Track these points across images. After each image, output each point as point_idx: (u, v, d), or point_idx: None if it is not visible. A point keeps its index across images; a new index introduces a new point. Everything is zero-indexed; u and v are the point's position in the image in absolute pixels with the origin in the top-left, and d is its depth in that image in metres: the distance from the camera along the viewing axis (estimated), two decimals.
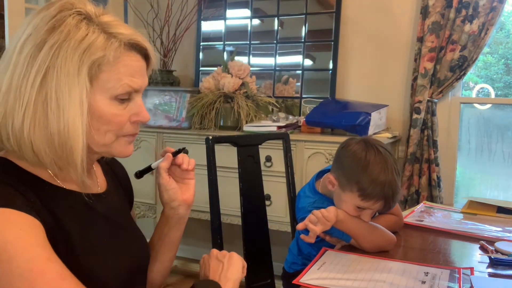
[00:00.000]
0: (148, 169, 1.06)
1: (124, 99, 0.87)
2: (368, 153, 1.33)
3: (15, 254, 0.73)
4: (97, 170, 1.02)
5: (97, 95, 0.84)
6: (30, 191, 0.81)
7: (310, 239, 1.29)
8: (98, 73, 0.83)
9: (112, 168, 1.08)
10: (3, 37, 2.78)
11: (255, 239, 1.67)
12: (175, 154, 1.04)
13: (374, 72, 2.84)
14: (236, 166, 1.67)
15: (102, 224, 0.93)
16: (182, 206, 1.06)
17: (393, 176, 1.31)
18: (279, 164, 2.46)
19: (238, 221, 2.51)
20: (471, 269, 1.18)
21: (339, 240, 1.38)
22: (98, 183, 0.99)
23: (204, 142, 1.60)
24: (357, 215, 1.35)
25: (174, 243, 1.11)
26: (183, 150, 1.05)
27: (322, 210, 1.29)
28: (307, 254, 1.56)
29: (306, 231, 1.31)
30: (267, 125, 2.59)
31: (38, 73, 0.80)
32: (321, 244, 1.43)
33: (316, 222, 1.28)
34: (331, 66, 2.88)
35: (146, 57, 0.90)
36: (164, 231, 1.10)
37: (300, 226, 1.30)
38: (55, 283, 0.75)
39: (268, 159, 2.50)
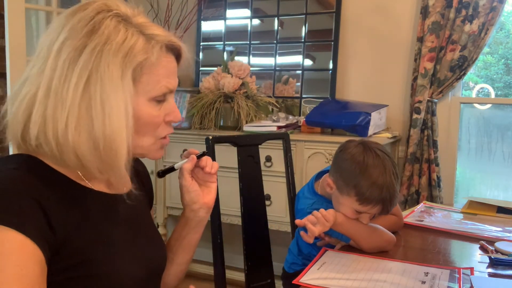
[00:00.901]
0: (171, 169, 1.05)
1: (160, 100, 0.88)
2: (366, 156, 1.31)
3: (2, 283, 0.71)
4: None
5: (139, 97, 0.84)
6: (53, 196, 0.80)
7: (309, 239, 1.28)
8: (140, 76, 0.83)
9: (134, 166, 1.05)
10: (3, 37, 2.78)
11: (255, 239, 1.67)
12: (199, 157, 1.03)
13: (374, 72, 2.84)
14: (236, 166, 1.67)
15: (124, 227, 0.93)
16: (203, 209, 1.06)
17: (391, 180, 1.29)
18: (279, 164, 2.46)
19: (238, 221, 2.51)
20: (471, 269, 1.18)
21: (339, 240, 1.38)
22: (123, 183, 0.99)
23: (204, 142, 1.60)
24: (355, 217, 1.34)
25: (192, 246, 1.11)
26: (206, 154, 1.04)
27: (322, 210, 1.29)
28: (307, 254, 1.56)
29: (305, 228, 1.31)
30: (267, 125, 2.59)
31: (80, 77, 0.79)
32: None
33: (315, 223, 1.28)
34: (331, 66, 2.88)
35: (177, 57, 0.91)
36: (183, 233, 1.09)
37: (298, 222, 1.30)
38: None
39: (268, 159, 2.50)
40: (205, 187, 1.06)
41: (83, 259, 0.82)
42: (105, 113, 0.79)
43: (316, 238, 1.33)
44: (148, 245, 0.99)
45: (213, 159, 1.60)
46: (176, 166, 1.04)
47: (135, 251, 0.94)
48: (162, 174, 1.06)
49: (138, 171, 1.06)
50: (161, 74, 0.86)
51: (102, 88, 0.79)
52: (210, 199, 1.06)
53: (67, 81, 0.79)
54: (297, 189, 1.71)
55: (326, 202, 1.44)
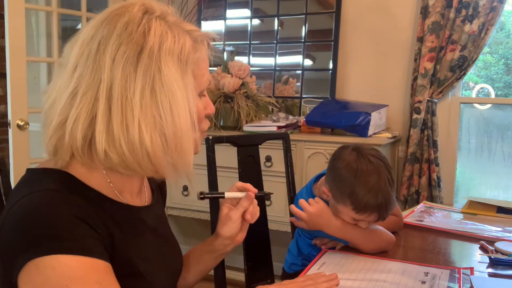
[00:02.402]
0: (219, 196, 1.04)
1: (203, 94, 0.90)
2: (359, 164, 1.28)
3: None
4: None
5: (194, 94, 0.85)
6: (96, 213, 0.80)
7: (301, 224, 1.32)
8: (195, 73, 0.85)
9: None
10: (3, 37, 2.78)
11: (255, 239, 1.67)
12: (258, 196, 1.03)
13: (374, 72, 2.84)
14: (236, 166, 1.67)
15: (152, 238, 0.94)
16: (232, 245, 1.08)
17: (386, 187, 1.27)
18: (279, 164, 2.46)
19: None
20: (471, 269, 1.18)
21: (338, 242, 1.38)
22: (146, 192, 0.99)
23: (204, 142, 1.60)
24: (354, 223, 1.33)
25: (207, 270, 1.13)
26: (266, 196, 1.05)
27: (310, 200, 1.31)
28: (307, 255, 1.56)
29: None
30: (267, 125, 2.59)
31: (145, 82, 0.77)
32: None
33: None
34: (331, 66, 2.88)
35: None
36: (204, 258, 1.11)
37: (293, 218, 1.33)
38: None
39: (268, 159, 2.50)
40: (243, 224, 1.07)
41: (128, 272, 0.83)
42: (174, 114, 0.79)
43: (311, 236, 1.33)
44: (172, 254, 1.01)
45: (213, 159, 1.60)
46: (226, 195, 1.03)
47: (164, 261, 0.96)
48: (204, 197, 1.04)
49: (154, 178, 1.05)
50: (205, 68, 0.88)
51: (168, 89, 0.78)
52: (241, 237, 1.07)
53: (131, 87, 0.77)
54: (297, 189, 1.71)
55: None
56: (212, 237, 1.10)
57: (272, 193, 1.07)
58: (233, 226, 1.04)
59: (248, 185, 1.04)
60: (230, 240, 1.06)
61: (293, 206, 1.35)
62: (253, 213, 1.05)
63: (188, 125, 0.81)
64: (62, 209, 0.76)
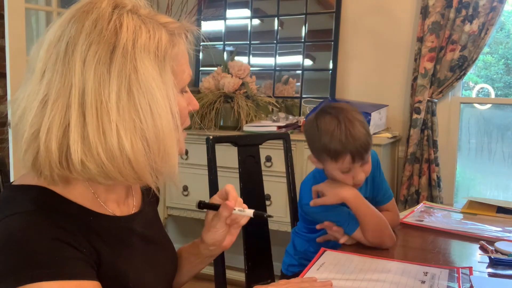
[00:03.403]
0: (215, 207, 0.99)
1: (185, 90, 0.84)
2: (317, 120, 1.38)
3: None
4: None
5: (175, 91, 0.79)
6: (79, 230, 0.76)
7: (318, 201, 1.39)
8: (174, 69, 0.79)
9: None
10: (3, 37, 2.78)
11: (255, 239, 1.67)
12: (256, 216, 0.99)
13: (374, 72, 2.84)
14: (237, 166, 1.67)
15: (142, 246, 0.90)
16: (219, 250, 1.03)
17: (348, 128, 1.33)
18: (279, 164, 2.46)
19: None
20: (470, 268, 1.18)
21: (342, 233, 1.38)
22: (134, 196, 0.94)
23: (205, 142, 1.60)
24: (349, 180, 1.37)
25: (195, 271, 1.10)
26: (267, 216, 1.01)
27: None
28: (303, 252, 1.56)
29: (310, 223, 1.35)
30: (267, 125, 2.59)
31: (120, 83, 0.71)
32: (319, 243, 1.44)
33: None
34: (331, 66, 2.88)
35: None
36: (191, 259, 1.07)
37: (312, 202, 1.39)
38: None
39: (268, 159, 2.50)
40: (228, 233, 1.01)
41: (119, 285, 0.81)
42: (154, 115, 0.73)
43: (316, 222, 1.39)
44: (164, 259, 0.98)
45: (214, 159, 1.61)
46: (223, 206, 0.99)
47: (156, 268, 0.93)
48: (203, 207, 1.01)
49: None
50: (185, 63, 0.82)
51: (146, 89, 0.72)
52: (228, 243, 1.01)
53: (106, 91, 0.70)
54: (298, 189, 1.71)
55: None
56: (198, 241, 1.05)
57: (272, 216, 1.03)
58: (216, 233, 0.98)
59: (230, 193, 0.97)
60: (215, 246, 1.01)
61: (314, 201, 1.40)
62: (236, 221, 0.99)
63: (170, 126, 0.75)
64: (40, 233, 0.71)
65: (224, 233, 0.99)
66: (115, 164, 0.72)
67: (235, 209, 0.97)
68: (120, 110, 0.71)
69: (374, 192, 1.55)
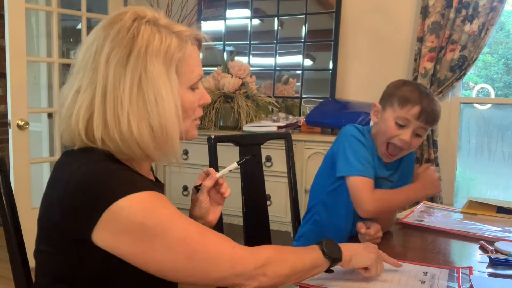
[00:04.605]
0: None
1: (195, 87, 0.99)
2: (406, 80, 1.52)
3: (169, 227, 0.86)
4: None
5: (181, 88, 0.95)
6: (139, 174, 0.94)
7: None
8: (180, 69, 0.95)
9: None
10: (3, 37, 2.78)
11: (256, 238, 1.67)
12: (240, 162, 1.16)
13: (374, 72, 2.84)
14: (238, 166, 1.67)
15: None
16: (206, 225, 1.11)
17: (430, 91, 1.45)
18: (279, 164, 2.46)
19: (238, 221, 2.51)
20: (470, 268, 1.18)
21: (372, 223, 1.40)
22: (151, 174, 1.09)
23: (205, 142, 1.60)
24: (396, 134, 1.42)
25: None
26: (248, 157, 1.17)
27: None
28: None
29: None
30: (267, 125, 2.59)
31: (133, 79, 0.89)
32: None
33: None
34: (331, 66, 2.88)
35: (198, 46, 1.03)
36: None
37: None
38: (203, 240, 0.89)
39: (268, 159, 2.50)
40: (213, 207, 1.15)
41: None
42: (159, 106, 0.90)
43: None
44: None
45: (215, 158, 1.61)
46: (217, 176, 1.13)
47: None
48: (199, 189, 1.14)
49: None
50: (193, 65, 0.98)
51: (153, 85, 0.90)
52: (214, 218, 1.15)
53: (121, 85, 0.89)
54: (298, 189, 1.71)
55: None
56: None
57: (255, 156, 1.21)
58: (201, 206, 1.12)
59: (211, 169, 1.15)
60: (202, 221, 1.13)
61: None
62: (225, 187, 1.14)
63: (173, 116, 0.92)
64: (114, 166, 0.90)
65: (207, 205, 1.13)
66: (126, 144, 0.90)
67: (217, 175, 1.12)
68: (131, 101, 0.89)
69: (400, 180, 1.56)
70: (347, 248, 1.06)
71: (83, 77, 0.92)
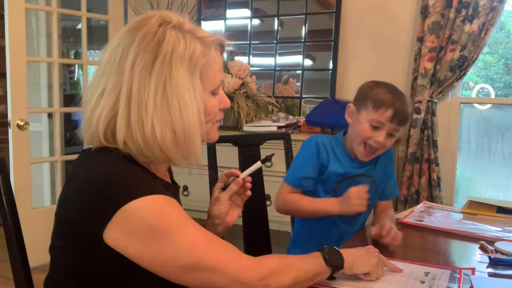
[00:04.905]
0: (235, 177, 1.18)
1: (216, 92, 1.01)
2: (378, 81, 1.54)
3: (179, 232, 0.88)
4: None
5: (204, 93, 0.97)
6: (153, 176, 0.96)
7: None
8: (203, 75, 0.96)
9: None
10: (3, 37, 2.78)
11: (255, 238, 1.68)
12: (263, 161, 1.19)
13: (374, 72, 2.83)
14: (237, 166, 1.67)
15: None
16: (222, 226, 1.19)
17: (402, 93, 1.50)
18: (279, 164, 2.45)
19: (238, 221, 2.51)
20: (473, 269, 1.18)
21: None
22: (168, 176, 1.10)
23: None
24: (371, 136, 1.46)
25: None
26: (269, 157, 1.21)
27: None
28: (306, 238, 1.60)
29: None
30: (267, 125, 2.59)
31: (157, 85, 0.90)
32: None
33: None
34: (331, 66, 2.88)
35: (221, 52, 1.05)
36: None
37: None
38: (210, 247, 0.90)
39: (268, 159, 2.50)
40: (232, 209, 1.19)
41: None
42: (182, 111, 0.92)
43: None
44: None
45: (214, 158, 1.61)
46: (241, 176, 1.18)
47: None
48: (225, 187, 1.19)
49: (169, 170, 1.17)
50: (216, 70, 0.99)
51: (177, 91, 0.91)
52: (232, 219, 1.19)
53: (146, 89, 0.90)
54: None
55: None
56: (205, 220, 1.21)
57: (274, 154, 1.24)
58: (221, 205, 1.16)
59: (235, 171, 1.18)
60: (219, 220, 1.17)
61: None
62: (248, 190, 1.18)
63: (195, 121, 0.93)
64: (130, 167, 0.92)
65: (227, 206, 1.17)
66: (148, 147, 0.91)
67: (242, 176, 1.17)
68: (156, 106, 0.90)
69: (382, 184, 1.62)
70: (348, 255, 1.07)
71: (107, 80, 0.93)
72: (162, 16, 0.96)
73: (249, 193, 1.19)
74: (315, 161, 1.55)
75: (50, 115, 3.57)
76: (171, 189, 1.03)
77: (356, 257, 1.08)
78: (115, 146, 0.93)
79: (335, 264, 1.04)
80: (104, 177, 0.88)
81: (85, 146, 1.01)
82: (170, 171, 1.18)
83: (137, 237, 0.86)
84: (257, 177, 1.71)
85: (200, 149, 0.97)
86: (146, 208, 0.86)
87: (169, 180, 1.10)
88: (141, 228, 0.85)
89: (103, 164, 0.91)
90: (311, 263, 1.02)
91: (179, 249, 0.87)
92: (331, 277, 1.05)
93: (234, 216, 1.19)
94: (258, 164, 1.18)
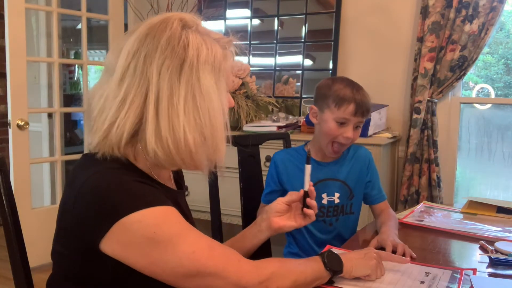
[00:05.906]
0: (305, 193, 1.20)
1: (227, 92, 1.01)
2: (333, 77, 1.58)
3: (179, 242, 0.87)
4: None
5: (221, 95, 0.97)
6: (150, 182, 0.94)
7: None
8: (224, 77, 0.96)
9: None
10: (3, 37, 2.78)
11: None
12: (307, 161, 1.20)
13: (374, 72, 2.84)
14: (237, 166, 1.67)
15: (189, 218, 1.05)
16: (267, 223, 1.22)
17: (359, 85, 1.52)
18: None
19: (238, 221, 2.51)
20: (474, 270, 1.18)
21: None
22: (172, 181, 1.10)
23: None
24: (339, 133, 1.49)
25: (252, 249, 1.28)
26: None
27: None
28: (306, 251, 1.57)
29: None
30: (267, 125, 2.59)
31: (187, 92, 0.90)
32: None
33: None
34: (331, 66, 2.88)
35: None
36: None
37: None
38: (211, 254, 0.90)
39: (268, 159, 2.50)
40: (286, 217, 1.21)
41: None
42: (211, 116, 0.92)
43: None
44: None
45: None
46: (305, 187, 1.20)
47: None
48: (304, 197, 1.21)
49: (177, 171, 1.16)
50: (230, 70, 1.00)
51: (206, 95, 0.91)
52: (276, 222, 1.20)
53: (175, 96, 0.89)
54: None
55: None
56: (248, 227, 1.26)
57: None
58: (275, 203, 1.20)
59: (311, 203, 1.20)
60: (266, 215, 1.20)
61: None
62: (311, 213, 1.20)
63: (222, 124, 0.95)
64: (126, 177, 0.89)
65: (282, 207, 1.21)
66: (179, 154, 0.90)
67: (305, 188, 1.20)
68: (186, 112, 0.89)
69: (359, 188, 1.62)
70: (348, 259, 1.08)
71: (129, 86, 0.90)
72: (182, 18, 0.95)
73: (311, 213, 1.19)
74: (275, 178, 1.60)
75: (50, 115, 3.58)
76: (173, 195, 1.01)
77: (355, 260, 1.09)
78: (126, 156, 0.92)
79: (334, 269, 1.05)
80: (101, 187, 0.86)
81: (86, 151, 0.99)
82: (181, 175, 1.17)
83: (136, 248, 0.86)
84: (256, 177, 1.71)
85: (225, 151, 0.98)
86: (145, 220, 0.85)
87: (171, 184, 1.08)
88: (140, 240, 0.85)
89: (101, 174, 0.89)
90: (311, 268, 1.02)
91: (180, 258, 0.87)
92: (330, 281, 1.06)
93: (282, 221, 1.20)
94: (308, 168, 1.19)
